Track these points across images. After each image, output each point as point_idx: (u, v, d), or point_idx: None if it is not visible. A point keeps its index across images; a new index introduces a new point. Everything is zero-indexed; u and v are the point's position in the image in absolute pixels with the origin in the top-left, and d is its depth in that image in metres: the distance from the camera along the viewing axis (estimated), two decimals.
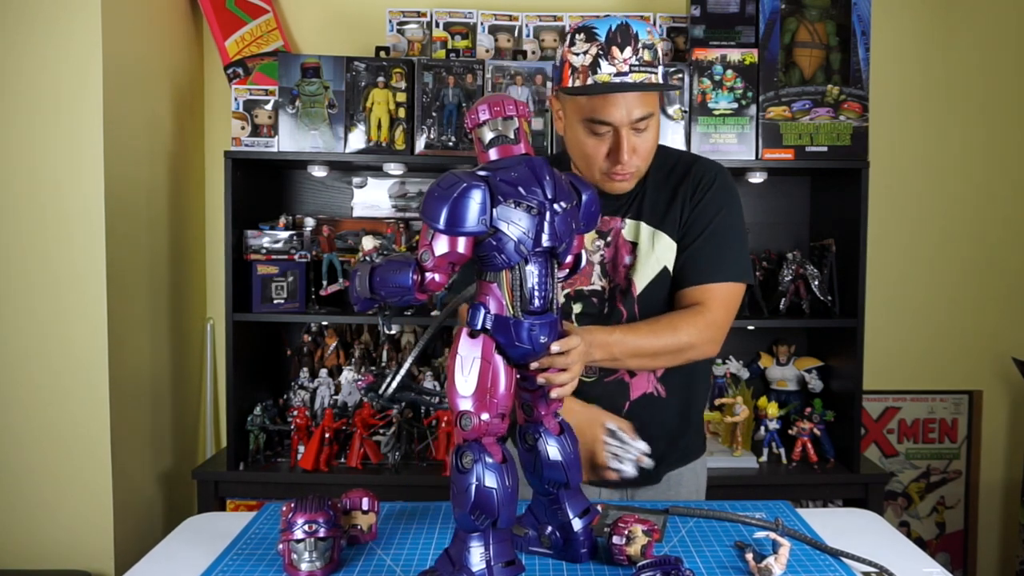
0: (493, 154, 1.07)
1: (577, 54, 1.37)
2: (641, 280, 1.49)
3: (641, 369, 1.44)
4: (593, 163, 1.44)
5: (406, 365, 1.14)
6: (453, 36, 2.64)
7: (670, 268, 1.49)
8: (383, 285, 1.05)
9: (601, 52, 1.35)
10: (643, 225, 1.50)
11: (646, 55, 1.36)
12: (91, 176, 2.20)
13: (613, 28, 1.35)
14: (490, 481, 1.00)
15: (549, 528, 1.17)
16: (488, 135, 1.07)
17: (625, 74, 1.35)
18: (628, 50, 1.35)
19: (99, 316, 2.21)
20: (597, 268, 1.52)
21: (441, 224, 1.00)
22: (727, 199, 1.50)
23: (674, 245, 1.49)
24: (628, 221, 1.51)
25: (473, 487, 1.00)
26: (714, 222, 1.47)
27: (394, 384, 1.03)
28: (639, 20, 1.38)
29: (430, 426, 2.53)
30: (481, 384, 1.02)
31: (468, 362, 1.03)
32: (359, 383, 1.04)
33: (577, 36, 1.38)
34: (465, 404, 1.02)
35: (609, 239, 1.52)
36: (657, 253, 1.49)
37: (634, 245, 1.51)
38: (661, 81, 1.38)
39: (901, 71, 2.81)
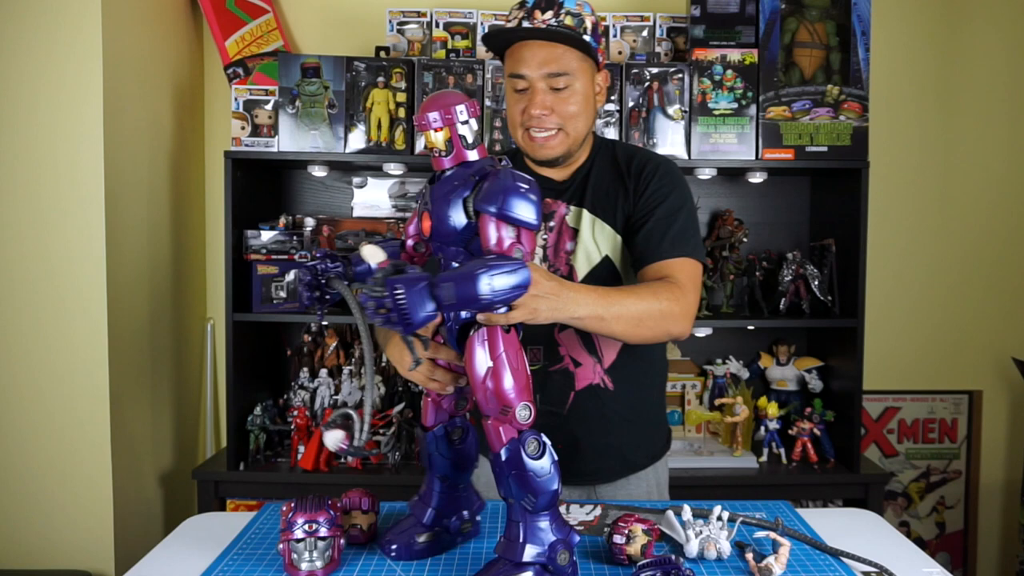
0: (477, 153, 1.11)
1: (509, 21, 1.47)
2: (582, 267, 1.50)
3: (622, 337, 1.33)
4: (515, 123, 1.49)
5: (368, 407, 1.05)
6: (453, 36, 2.64)
7: (612, 258, 1.50)
8: (496, 291, 1.00)
9: (525, 15, 1.44)
10: (585, 212, 1.52)
11: (568, 20, 1.43)
12: (91, 176, 2.20)
13: None
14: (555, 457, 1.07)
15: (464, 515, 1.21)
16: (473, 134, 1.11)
17: (539, 29, 1.42)
18: (549, 13, 1.43)
19: (99, 316, 2.21)
20: (539, 252, 1.52)
21: (537, 221, 1.05)
22: (673, 183, 1.51)
23: (616, 236, 1.50)
24: (572, 207, 1.53)
25: (553, 467, 1.05)
26: (663, 205, 1.48)
27: (365, 430, 1.03)
28: None
29: None
30: (527, 374, 1.07)
31: (513, 357, 1.06)
32: (341, 447, 1.02)
33: (513, 8, 1.47)
34: (521, 396, 1.05)
35: (552, 223, 1.53)
36: (598, 242, 1.50)
37: (575, 232, 1.52)
38: (578, 42, 1.42)
39: (901, 71, 2.81)
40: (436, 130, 1.08)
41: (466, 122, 1.09)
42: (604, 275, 1.49)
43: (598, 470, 1.52)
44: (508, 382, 1.04)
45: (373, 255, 1.07)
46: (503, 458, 1.05)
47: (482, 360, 1.05)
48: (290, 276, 2.47)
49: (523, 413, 1.05)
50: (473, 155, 1.10)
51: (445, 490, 1.19)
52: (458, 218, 1.07)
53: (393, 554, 1.17)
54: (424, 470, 1.23)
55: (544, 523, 1.05)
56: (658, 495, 1.59)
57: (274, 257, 2.47)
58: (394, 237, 1.16)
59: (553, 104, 1.45)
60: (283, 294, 2.47)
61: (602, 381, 1.51)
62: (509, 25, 1.46)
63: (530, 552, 1.04)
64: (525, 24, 1.43)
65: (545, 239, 1.52)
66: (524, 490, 1.04)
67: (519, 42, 1.46)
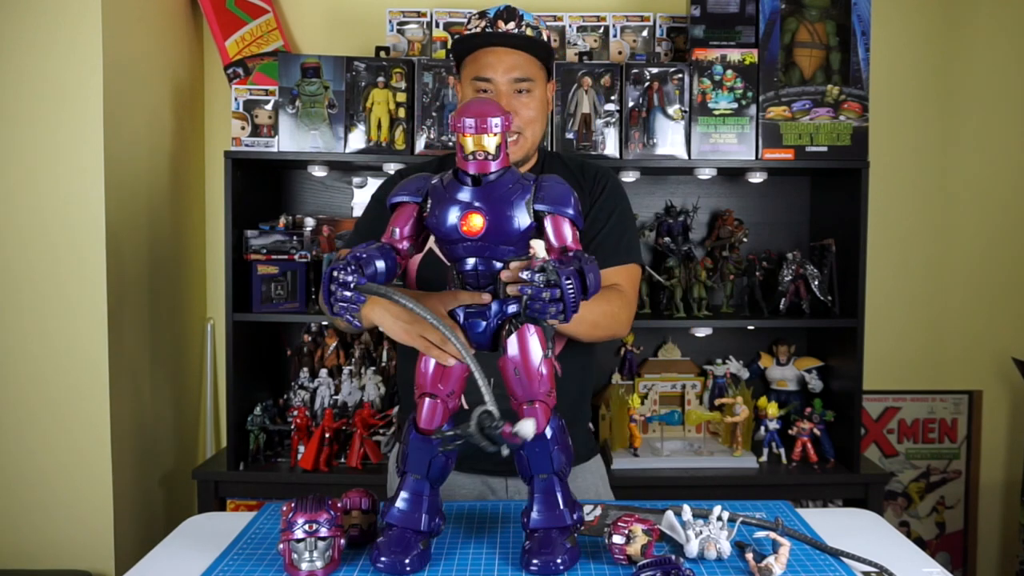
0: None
1: (469, 30, 1.56)
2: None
3: (583, 338, 1.50)
4: None
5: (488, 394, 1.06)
6: (453, 36, 2.64)
7: None
8: (598, 279, 1.09)
9: (488, 25, 1.54)
10: None
11: (528, 31, 1.54)
12: (91, 176, 2.20)
13: (501, 8, 1.55)
14: None
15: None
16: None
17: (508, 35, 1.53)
18: (512, 23, 1.53)
19: (99, 316, 2.21)
20: None
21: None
22: (620, 194, 1.66)
23: None
24: None
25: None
26: (614, 215, 1.61)
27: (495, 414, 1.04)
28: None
29: None
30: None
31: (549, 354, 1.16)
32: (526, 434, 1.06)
33: (472, 17, 1.57)
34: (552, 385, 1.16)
35: None
36: None
37: None
38: (545, 50, 1.55)
39: (901, 71, 2.81)
40: (492, 134, 1.11)
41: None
42: None
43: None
44: (550, 377, 1.16)
45: (541, 248, 1.11)
46: (549, 435, 1.15)
47: (537, 349, 1.14)
48: (290, 275, 2.47)
49: (554, 394, 1.17)
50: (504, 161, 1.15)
51: (435, 494, 1.18)
52: (522, 219, 1.12)
53: (408, 569, 1.13)
54: (402, 474, 1.18)
55: (565, 488, 1.18)
56: (604, 490, 1.67)
57: (274, 257, 2.46)
58: (363, 254, 1.11)
59: (516, 108, 1.54)
60: (283, 294, 2.47)
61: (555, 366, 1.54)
62: (475, 31, 1.55)
63: (570, 515, 1.16)
64: (488, 31, 1.53)
65: None
66: (567, 458, 1.17)
67: (484, 48, 1.55)
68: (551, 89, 1.66)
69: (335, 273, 1.06)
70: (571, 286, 1.02)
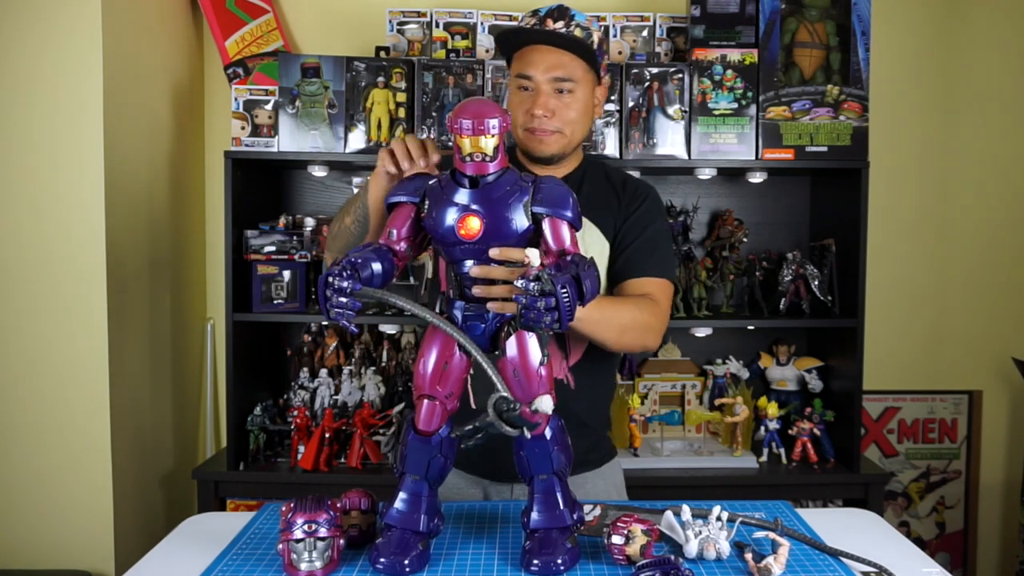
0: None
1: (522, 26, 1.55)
2: None
3: (606, 342, 1.46)
4: (517, 119, 1.55)
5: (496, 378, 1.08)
6: (453, 36, 2.64)
7: (598, 262, 1.52)
8: (595, 285, 1.10)
9: (538, 23, 1.52)
10: None
11: (577, 32, 1.51)
12: (91, 176, 2.20)
13: (554, 7, 1.53)
14: None
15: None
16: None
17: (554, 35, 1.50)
18: (561, 23, 1.51)
19: (99, 316, 2.21)
20: None
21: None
22: (659, 211, 1.65)
23: (605, 243, 1.58)
24: None
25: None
26: (650, 228, 1.59)
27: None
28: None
29: None
30: None
31: None
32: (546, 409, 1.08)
33: (526, 16, 1.55)
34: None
35: None
36: (587, 242, 1.53)
37: None
38: (586, 51, 1.50)
39: (901, 71, 2.80)
40: (490, 136, 1.10)
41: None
42: None
43: None
44: (551, 370, 1.15)
45: (536, 256, 1.10)
46: (549, 435, 1.15)
47: (536, 351, 1.12)
48: (287, 276, 2.47)
49: (554, 394, 1.14)
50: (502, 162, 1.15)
51: (433, 494, 1.18)
52: (520, 221, 1.12)
53: (408, 570, 1.13)
54: (400, 475, 1.18)
55: (565, 488, 1.18)
56: (617, 495, 1.65)
57: (274, 257, 2.47)
58: (358, 259, 1.11)
59: (555, 107, 1.52)
60: (283, 294, 2.47)
61: (566, 377, 1.54)
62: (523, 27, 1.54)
63: (570, 515, 1.16)
64: (539, 28, 1.50)
65: None
66: (565, 459, 1.17)
67: (530, 46, 1.53)
68: (600, 92, 1.62)
69: (330, 279, 1.05)
70: (566, 294, 1.01)
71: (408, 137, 1.40)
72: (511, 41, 1.57)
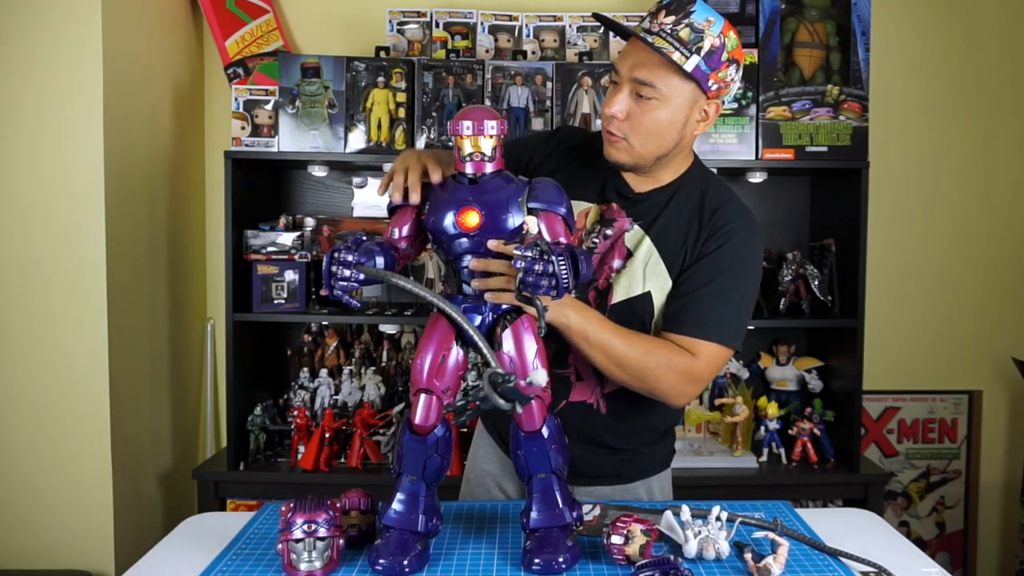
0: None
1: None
2: (621, 291, 1.42)
3: (603, 369, 1.35)
4: (603, 115, 1.40)
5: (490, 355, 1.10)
6: (453, 36, 2.64)
7: (654, 296, 1.41)
8: (589, 267, 1.14)
9: (651, 15, 1.34)
10: (647, 239, 1.42)
11: (683, 32, 1.29)
12: (91, 176, 2.20)
13: None
14: None
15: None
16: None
17: (649, 32, 1.31)
18: (671, 17, 1.31)
19: (99, 316, 2.21)
20: None
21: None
22: (743, 257, 1.40)
23: (667, 279, 1.41)
24: (635, 226, 1.43)
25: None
26: (723, 276, 1.38)
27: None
28: (718, 12, 1.34)
29: None
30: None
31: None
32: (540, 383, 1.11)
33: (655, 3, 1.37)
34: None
35: (611, 232, 1.44)
36: (647, 274, 1.41)
37: (630, 253, 1.43)
38: (681, 63, 1.29)
39: (901, 71, 2.80)
40: (488, 137, 1.16)
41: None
42: (639, 309, 1.41)
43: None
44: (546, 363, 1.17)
45: (535, 224, 1.15)
46: (546, 434, 1.16)
47: (532, 343, 1.15)
48: (290, 275, 2.47)
49: (550, 390, 1.18)
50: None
51: (431, 494, 1.18)
52: (516, 216, 1.17)
53: (407, 570, 1.13)
54: (397, 476, 1.18)
55: (563, 486, 1.19)
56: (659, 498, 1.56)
57: (274, 257, 2.47)
58: (365, 236, 1.17)
59: (630, 111, 1.35)
60: (283, 294, 2.47)
61: (596, 403, 1.46)
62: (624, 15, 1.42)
63: (569, 513, 1.17)
64: (646, 23, 1.33)
65: (595, 242, 1.45)
66: (562, 458, 1.18)
67: (632, 37, 1.36)
68: (711, 108, 1.38)
69: (336, 254, 1.11)
70: (563, 261, 1.06)
71: (409, 171, 1.26)
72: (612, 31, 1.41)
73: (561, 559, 1.12)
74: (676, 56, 1.30)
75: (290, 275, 2.47)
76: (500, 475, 1.58)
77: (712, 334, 1.36)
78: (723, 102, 1.41)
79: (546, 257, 1.06)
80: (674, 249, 1.41)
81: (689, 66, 1.31)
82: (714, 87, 1.35)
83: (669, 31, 1.30)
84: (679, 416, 1.62)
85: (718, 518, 1.19)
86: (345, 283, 1.11)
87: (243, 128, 2.43)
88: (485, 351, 1.08)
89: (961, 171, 2.84)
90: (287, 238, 2.48)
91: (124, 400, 2.32)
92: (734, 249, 1.39)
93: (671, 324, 1.39)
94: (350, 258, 1.11)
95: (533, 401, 1.14)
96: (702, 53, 1.31)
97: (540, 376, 1.10)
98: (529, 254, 1.06)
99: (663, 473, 1.59)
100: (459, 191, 1.18)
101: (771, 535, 1.19)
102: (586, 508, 1.26)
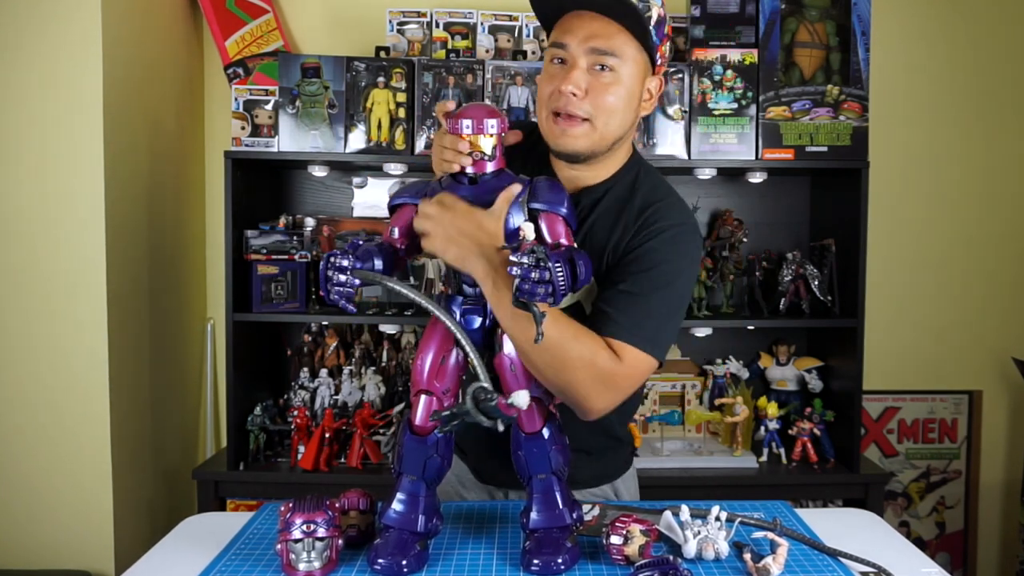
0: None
1: None
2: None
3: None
4: (542, 102, 1.28)
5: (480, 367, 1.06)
6: (453, 36, 2.64)
7: (586, 308, 1.28)
8: (588, 271, 1.11)
9: None
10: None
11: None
12: (91, 176, 2.20)
13: None
14: None
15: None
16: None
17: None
18: None
19: (99, 316, 2.21)
20: None
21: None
22: (674, 255, 1.25)
23: (592, 282, 1.26)
24: None
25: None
26: (648, 274, 1.23)
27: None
28: None
29: None
30: None
31: None
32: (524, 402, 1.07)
33: None
34: None
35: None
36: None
37: None
38: (634, 20, 1.20)
39: (901, 71, 2.80)
40: (488, 135, 1.14)
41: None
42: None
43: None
44: None
45: (531, 230, 1.11)
46: (546, 435, 1.16)
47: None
48: (288, 276, 2.47)
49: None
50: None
51: (431, 494, 1.18)
52: (516, 216, 1.15)
53: (406, 570, 1.12)
54: (397, 476, 1.17)
55: (564, 487, 1.18)
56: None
57: (274, 257, 2.47)
58: (368, 238, 1.17)
59: (590, 87, 1.23)
60: (283, 294, 2.47)
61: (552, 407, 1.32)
62: None
63: (569, 514, 1.17)
64: None
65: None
66: (563, 459, 1.17)
67: (572, 12, 1.24)
68: (654, 84, 1.30)
69: (332, 259, 1.10)
70: (560, 268, 1.04)
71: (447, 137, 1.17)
72: (548, 4, 1.26)
73: (560, 560, 1.12)
74: (632, 19, 1.20)
75: (290, 275, 2.47)
76: (457, 483, 1.51)
77: (633, 338, 1.20)
78: (664, 80, 1.36)
79: (542, 264, 1.03)
80: (598, 252, 1.28)
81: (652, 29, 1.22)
82: (659, 61, 1.28)
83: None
84: (627, 419, 1.49)
85: (717, 518, 1.19)
86: (341, 288, 1.10)
87: (243, 128, 2.43)
88: (476, 363, 1.04)
89: (961, 171, 2.84)
90: (287, 238, 2.48)
91: (124, 400, 2.32)
92: (660, 246, 1.25)
93: (591, 324, 1.22)
94: (345, 263, 1.10)
95: (533, 403, 1.14)
96: (651, 23, 1.22)
97: (521, 398, 1.06)
98: (525, 261, 1.03)
99: (627, 474, 1.52)
100: (459, 191, 1.17)
101: (770, 535, 1.19)
102: (585, 508, 1.26)
